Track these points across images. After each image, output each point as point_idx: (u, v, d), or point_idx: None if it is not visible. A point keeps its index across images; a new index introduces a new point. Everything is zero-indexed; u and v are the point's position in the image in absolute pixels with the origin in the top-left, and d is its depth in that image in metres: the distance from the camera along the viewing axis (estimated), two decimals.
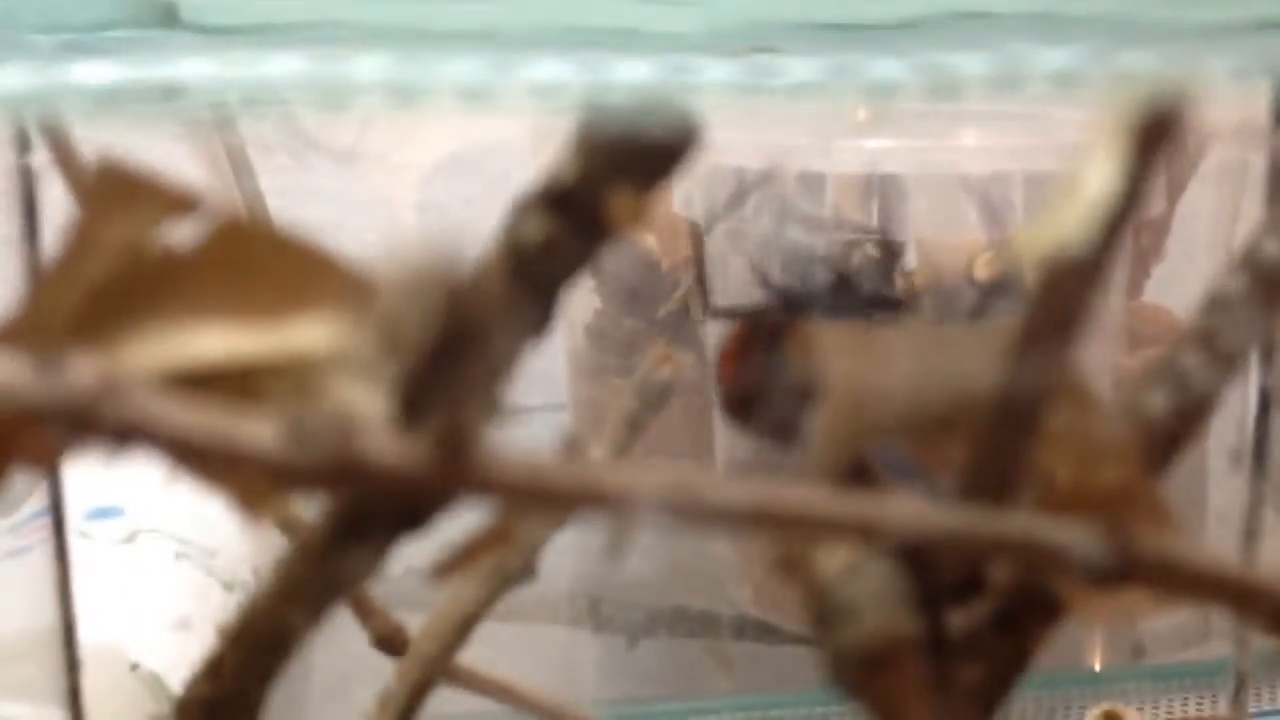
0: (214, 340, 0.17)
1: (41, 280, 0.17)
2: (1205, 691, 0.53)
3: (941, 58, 0.17)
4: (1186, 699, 0.53)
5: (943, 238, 0.55)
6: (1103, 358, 0.66)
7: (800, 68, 0.16)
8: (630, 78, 0.16)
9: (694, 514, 0.17)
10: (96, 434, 0.15)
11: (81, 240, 0.17)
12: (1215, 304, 0.24)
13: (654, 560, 0.63)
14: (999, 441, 0.19)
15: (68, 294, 0.17)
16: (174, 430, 0.15)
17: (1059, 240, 0.14)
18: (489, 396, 0.18)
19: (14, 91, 0.17)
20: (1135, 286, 0.66)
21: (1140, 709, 0.46)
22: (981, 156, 0.58)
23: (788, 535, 0.18)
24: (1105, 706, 0.36)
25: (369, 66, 0.16)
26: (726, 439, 0.57)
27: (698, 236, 0.30)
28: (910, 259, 0.56)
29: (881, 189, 0.56)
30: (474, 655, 0.39)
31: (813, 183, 0.53)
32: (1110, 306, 0.64)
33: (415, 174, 0.67)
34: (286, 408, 0.16)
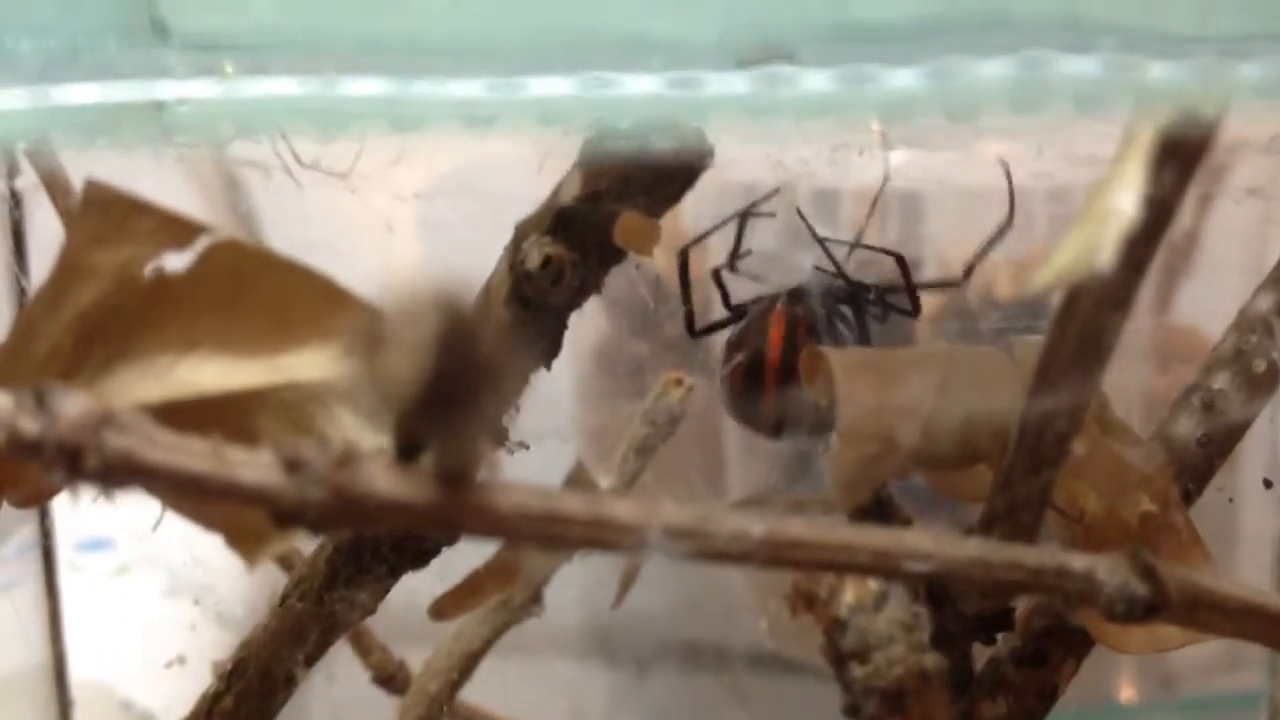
0: (208, 370, 0.17)
1: (29, 308, 0.17)
2: None
3: (962, 67, 0.17)
4: None
5: (964, 255, 0.55)
6: (1131, 377, 0.65)
7: (814, 80, 0.16)
8: (637, 93, 0.16)
9: (707, 550, 0.17)
10: (87, 471, 0.15)
11: (69, 267, 0.17)
12: (1246, 324, 0.24)
13: (666, 592, 0.62)
14: (1024, 470, 0.19)
15: (56, 322, 0.17)
16: (167, 466, 0.15)
17: (1082, 262, 0.14)
18: (493, 428, 0.18)
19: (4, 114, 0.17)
20: (1163, 304, 0.66)
21: None
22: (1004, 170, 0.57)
23: (806, 570, 0.18)
24: None
25: (367, 89, 0.16)
26: (739, 461, 0.57)
27: (683, 254, 0.31)
28: (931, 277, 0.56)
29: (901, 205, 0.56)
30: (482, 689, 0.39)
31: (828, 199, 0.53)
32: (1138, 325, 0.64)
33: (416, 192, 0.67)
34: (282, 440, 0.16)
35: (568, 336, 0.25)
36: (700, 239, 0.33)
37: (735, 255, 0.33)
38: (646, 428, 0.34)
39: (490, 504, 0.16)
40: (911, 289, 0.28)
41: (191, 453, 0.15)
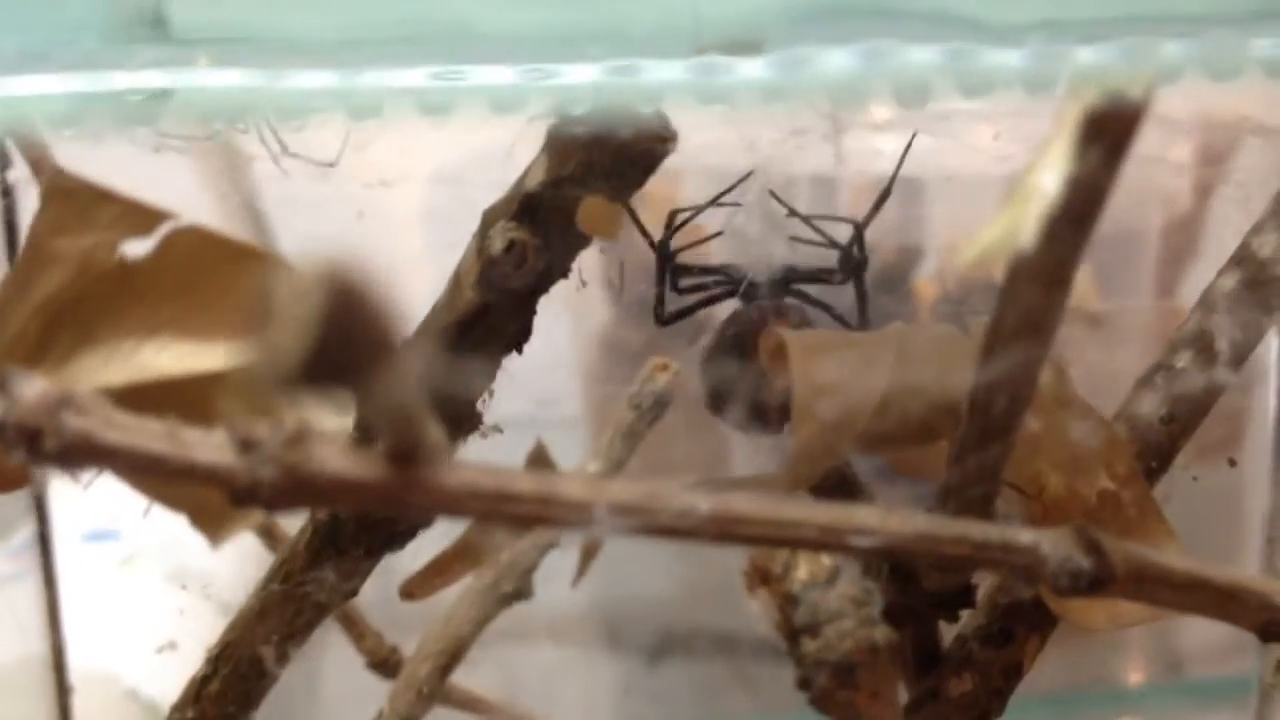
0: (169, 354, 0.18)
1: None
2: (1241, 706, 0.52)
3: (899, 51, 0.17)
4: (1221, 713, 0.53)
5: (964, 241, 0.55)
6: (1135, 360, 0.65)
7: (751, 67, 0.17)
8: (579, 80, 0.17)
9: (653, 525, 0.17)
10: (47, 452, 0.16)
11: (34, 254, 0.18)
12: (1209, 305, 0.25)
13: (672, 579, 0.63)
14: (975, 444, 0.19)
15: (21, 308, 0.18)
16: (124, 446, 0.16)
17: (1005, 242, 0.15)
18: (456, 410, 0.19)
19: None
20: (1167, 288, 0.66)
21: None
22: (1001, 156, 0.58)
23: (757, 545, 0.19)
24: None
25: (320, 81, 0.17)
26: (740, 446, 0.57)
27: (662, 245, 0.31)
28: (930, 263, 0.57)
29: (899, 191, 0.56)
30: (490, 677, 0.40)
31: (825, 185, 0.54)
32: (1141, 309, 0.64)
33: (416, 183, 0.68)
34: (236, 420, 0.16)
35: (573, 325, 0.26)
36: (675, 229, 0.33)
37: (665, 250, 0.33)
38: (632, 413, 0.35)
39: (440, 483, 0.16)
40: (853, 260, 0.28)
41: (148, 433, 0.16)
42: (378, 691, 0.41)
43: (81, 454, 0.16)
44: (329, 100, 0.17)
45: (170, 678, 0.46)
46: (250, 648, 0.27)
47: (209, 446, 0.16)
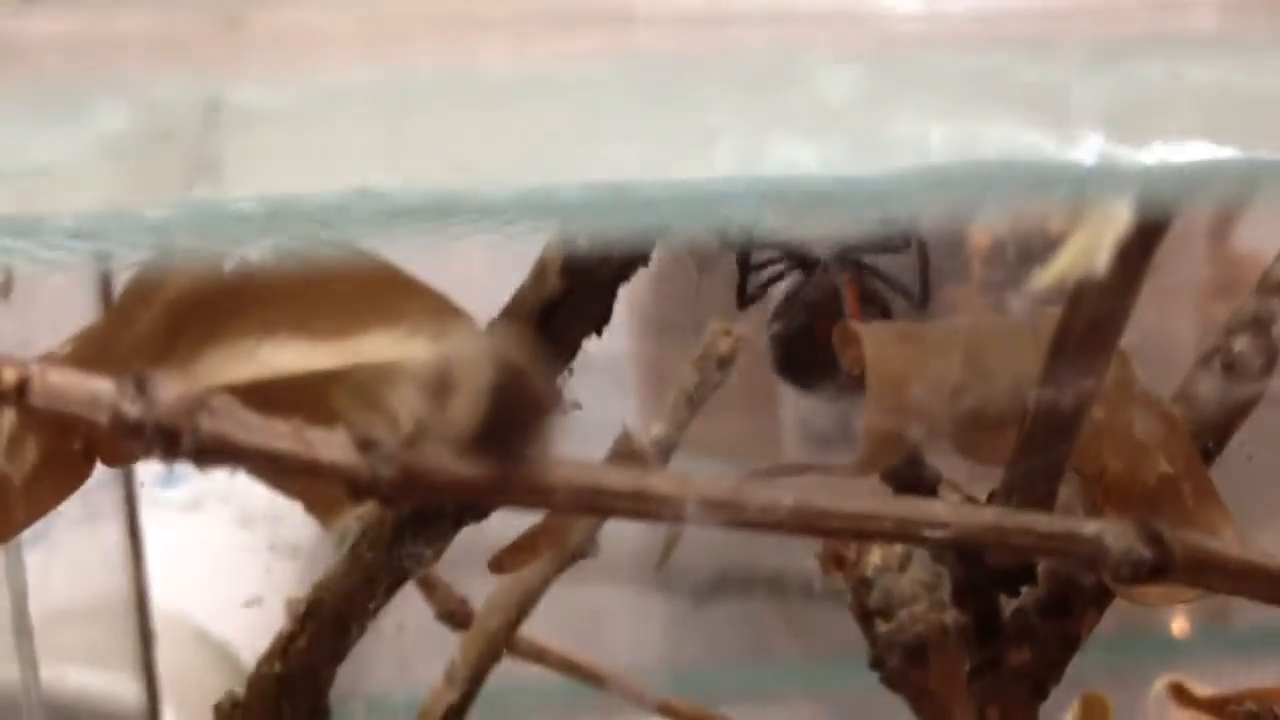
0: (286, 353, 0.19)
1: (121, 298, 0.19)
2: None
3: None
4: (1266, 663, 0.54)
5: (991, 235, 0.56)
6: (1190, 306, 0.66)
7: None
8: None
9: (742, 519, 0.19)
10: (183, 451, 0.17)
11: (160, 256, 0.19)
12: (1266, 287, 0.26)
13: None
14: (1039, 443, 0.21)
15: (148, 311, 0.19)
16: (256, 447, 0.17)
17: (1080, 264, 0.16)
18: (545, 403, 0.20)
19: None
20: (1221, 233, 0.67)
21: (1216, 676, 0.48)
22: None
23: (835, 537, 0.20)
24: (1172, 678, 0.38)
25: None
26: (791, 400, 0.58)
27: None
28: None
29: None
30: (541, 620, 0.41)
31: None
32: (1196, 254, 0.65)
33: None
34: (358, 418, 0.18)
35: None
36: None
37: None
38: (696, 376, 0.36)
39: (542, 479, 0.18)
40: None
41: (276, 434, 0.17)
42: (442, 641, 0.43)
43: (215, 453, 0.17)
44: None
45: (241, 620, 0.48)
46: (337, 607, 0.29)
47: (331, 445, 0.18)
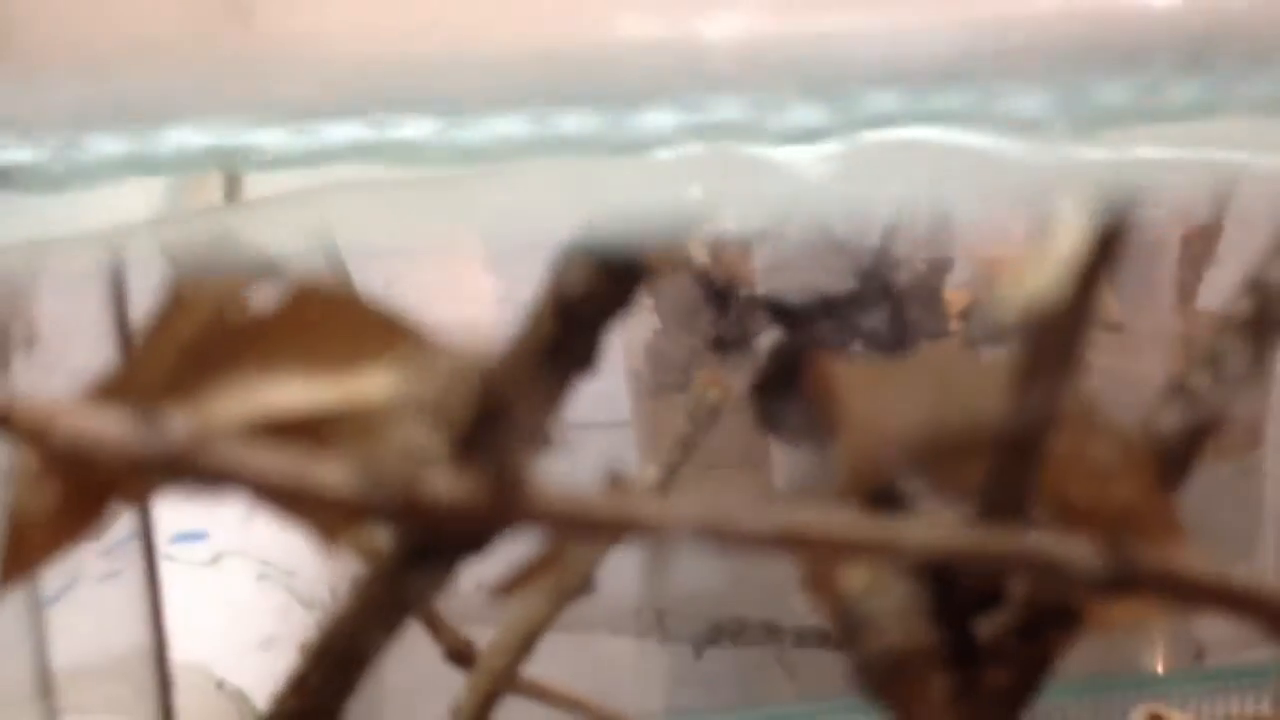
0: (289, 393, 0.20)
1: (139, 342, 0.20)
2: (1260, 692, 0.54)
3: None
4: (1244, 699, 0.54)
5: (995, 254, 0.57)
6: (1156, 364, 0.66)
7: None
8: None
9: (725, 539, 0.19)
10: (190, 481, 0.17)
11: (173, 305, 0.20)
12: (1224, 327, 0.26)
13: (717, 574, 0.65)
14: (1007, 467, 0.21)
15: (163, 354, 0.20)
16: (260, 476, 0.17)
17: (1036, 292, 0.16)
18: (538, 434, 0.20)
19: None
20: (1188, 293, 0.67)
21: (1195, 710, 0.47)
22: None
23: (816, 556, 0.20)
24: (1150, 707, 0.37)
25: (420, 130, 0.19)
26: (782, 452, 0.59)
27: (725, 276, 0.32)
28: (961, 273, 0.58)
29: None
30: (546, 667, 0.41)
31: None
32: (1163, 313, 0.65)
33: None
34: (357, 452, 0.18)
35: (620, 337, 0.27)
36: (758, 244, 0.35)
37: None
38: (688, 424, 0.36)
39: (536, 503, 0.18)
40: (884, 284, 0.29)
41: (278, 461, 0.18)
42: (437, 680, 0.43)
43: (223, 483, 0.17)
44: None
45: (259, 669, 0.48)
46: (345, 642, 0.29)
47: (331, 471, 0.18)
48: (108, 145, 0.19)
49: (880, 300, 0.38)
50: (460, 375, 0.15)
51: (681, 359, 0.66)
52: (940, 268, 0.55)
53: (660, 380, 0.68)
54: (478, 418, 0.16)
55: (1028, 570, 0.20)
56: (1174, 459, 0.26)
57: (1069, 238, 0.16)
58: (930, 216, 0.55)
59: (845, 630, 0.21)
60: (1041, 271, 0.16)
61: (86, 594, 0.48)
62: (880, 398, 0.21)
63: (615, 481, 0.22)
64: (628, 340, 0.69)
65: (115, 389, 0.21)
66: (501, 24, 0.20)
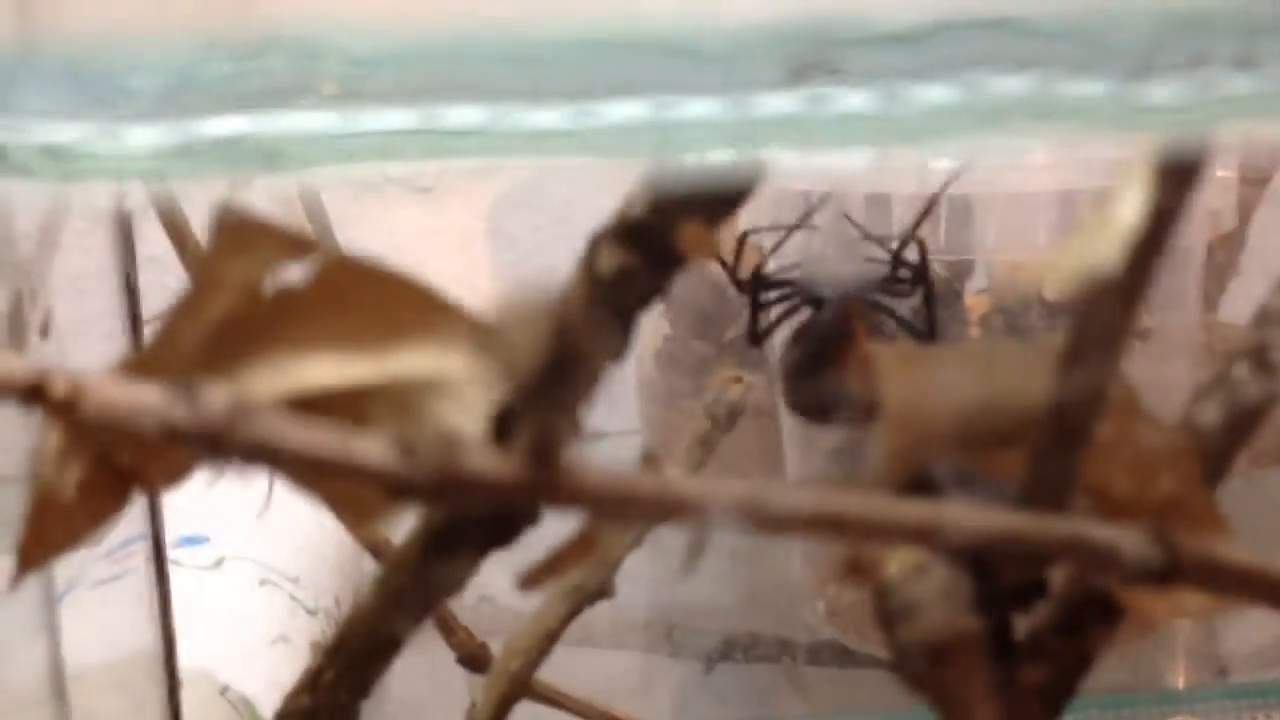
0: (323, 369, 0.20)
1: (171, 316, 0.20)
2: None
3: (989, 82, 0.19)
4: (1268, 716, 0.54)
5: (1013, 257, 0.57)
6: (1180, 374, 0.66)
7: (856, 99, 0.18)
8: (697, 116, 0.18)
9: (764, 521, 0.19)
10: (227, 454, 0.17)
11: (206, 280, 0.20)
12: (1265, 319, 0.26)
13: (728, 587, 0.65)
14: (1052, 452, 0.21)
15: (195, 328, 0.20)
16: (297, 449, 0.17)
17: (1087, 267, 0.16)
18: (575, 415, 0.20)
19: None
20: (1211, 303, 0.67)
21: None
22: (1051, 173, 0.59)
23: (853, 540, 0.20)
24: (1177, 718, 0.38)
25: (465, 118, 0.19)
26: (796, 456, 0.59)
27: (755, 274, 0.33)
28: (980, 278, 0.58)
29: (949, 208, 0.57)
30: (555, 680, 0.41)
31: (879, 203, 0.55)
32: (1186, 323, 0.65)
33: (485, 204, 0.70)
34: (392, 428, 0.18)
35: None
36: (772, 250, 0.35)
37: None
38: (708, 421, 0.36)
39: (574, 480, 0.18)
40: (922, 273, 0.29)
41: (317, 436, 0.18)
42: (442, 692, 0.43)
43: (259, 456, 0.17)
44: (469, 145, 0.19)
45: (263, 675, 0.47)
46: (365, 638, 0.29)
47: (370, 447, 0.18)
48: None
49: (913, 289, 0.38)
50: (529, 323, 0.15)
51: (694, 365, 0.66)
52: (960, 272, 0.55)
53: (672, 387, 0.68)
54: (526, 392, 0.16)
55: (1075, 558, 0.20)
56: (1215, 453, 0.26)
57: (1129, 206, 0.16)
58: (950, 218, 0.55)
59: (885, 617, 0.21)
60: (1100, 240, 0.16)
61: (89, 597, 0.48)
62: (924, 380, 0.21)
63: (651, 462, 0.22)
64: (638, 348, 0.69)
65: (143, 367, 0.21)
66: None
